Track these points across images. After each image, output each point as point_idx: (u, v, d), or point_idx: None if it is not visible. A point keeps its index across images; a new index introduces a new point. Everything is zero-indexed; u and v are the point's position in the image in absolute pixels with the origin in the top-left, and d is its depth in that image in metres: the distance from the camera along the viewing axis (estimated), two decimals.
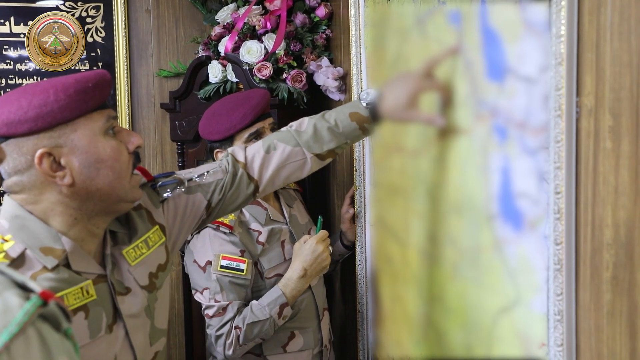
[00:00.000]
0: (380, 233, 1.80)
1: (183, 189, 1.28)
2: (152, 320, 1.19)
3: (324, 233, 1.76)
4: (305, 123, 1.39)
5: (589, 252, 0.94)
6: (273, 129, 1.80)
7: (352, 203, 1.93)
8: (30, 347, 0.61)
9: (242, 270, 1.71)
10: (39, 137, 1.02)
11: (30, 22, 2.53)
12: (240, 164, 1.34)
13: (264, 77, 2.08)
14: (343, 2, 2.00)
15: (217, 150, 1.79)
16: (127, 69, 2.60)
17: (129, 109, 2.62)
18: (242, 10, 2.22)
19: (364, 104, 1.37)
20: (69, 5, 2.56)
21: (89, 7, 2.57)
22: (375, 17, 1.69)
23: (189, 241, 1.77)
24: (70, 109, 1.03)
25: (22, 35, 2.54)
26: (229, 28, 2.26)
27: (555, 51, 0.94)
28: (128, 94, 2.61)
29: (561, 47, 0.93)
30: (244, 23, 2.16)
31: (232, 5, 2.27)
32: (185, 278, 2.34)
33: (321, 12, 2.17)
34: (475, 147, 1.21)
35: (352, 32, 1.83)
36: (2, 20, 2.52)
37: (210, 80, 2.25)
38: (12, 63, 2.54)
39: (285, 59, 2.11)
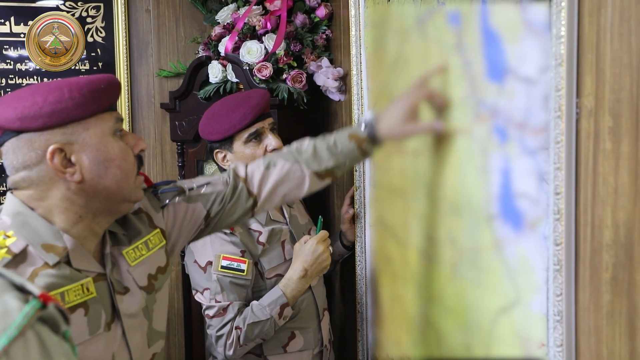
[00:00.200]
0: (380, 233, 1.80)
1: (183, 198, 1.30)
2: (150, 322, 1.20)
3: (324, 233, 1.76)
4: (306, 143, 1.42)
5: (588, 252, 0.94)
6: (273, 129, 1.80)
7: (352, 203, 1.94)
8: (30, 350, 0.60)
9: (242, 271, 1.71)
10: (52, 133, 1.05)
11: (30, 22, 2.53)
12: (241, 178, 1.37)
13: (264, 78, 2.08)
14: (343, 2, 2.00)
15: (217, 150, 1.79)
16: (127, 69, 2.60)
17: (129, 109, 2.62)
18: (243, 10, 2.22)
19: (363, 126, 1.40)
20: (69, 5, 2.56)
21: (89, 7, 2.57)
22: (376, 17, 1.70)
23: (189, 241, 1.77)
24: (84, 108, 1.06)
25: (22, 35, 2.54)
26: (229, 28, 2.26)
27: (556, 52, 0.94)
28: (128, 93, 2.61)
29: (561, 48, 0.93)
30: (244, 23, 2.16)
31: (232, 6, 2.28)
32: (185, 278, 2.34)
33: (321, 12, 2.18)
34: (475, 148, 1.21)
35: (352, 32, 1.83)
36: (2, 20, 2.52)
37: (210, 81, 2.25)
38: (12, 63, 2.54)
39: (285, 59, 2.11)
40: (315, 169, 1.38)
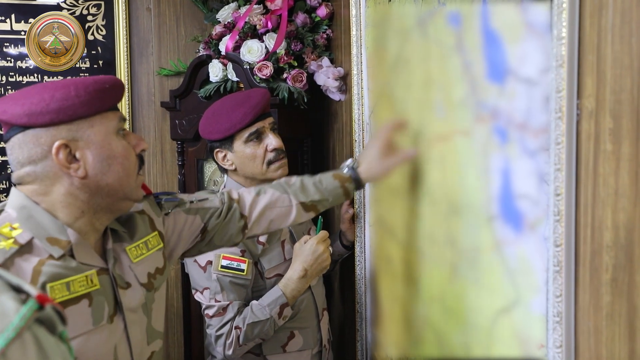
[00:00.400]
0: (379, 233, 1.80)
1: (184, 209, 1.36)
2: (149, 320, 1.23)
3: (324, 233, 1.76)
4: (294, 178, 1.53)
5: (588, 254, 0.94)
6: (273, 129, 1.80)
7: (352, 203, 1.94)
8: (27, 352, 0.60)
9: (242, 270, 1.71)
10: (58, 129, 1.08)
11: (31, 20, 2.53)
12: (235, 200, 1.45)
13: (264, 77, 2.08)
14: (344, 2, 2.00)
15: (217, 149, 1.79)
16: (127, 67, 2.60)
17: (129, 107, 2.62)
18: (243, 9, 2.22)
19: (345, 170, 1.54)
20: (70, 3, 2.56)
21: (89, 5, 2.57)
22: (376, 17, 1.69)
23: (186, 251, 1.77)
24: (89, 106, 1.10)
25: (22, 33, 2.53)
26: (229, 27, 2.26)
27: (556, 53, 0.94)
28: (128, 92, 2.61)
29: (562, 49, 0.93)
30: (245, 22, 2.16)
31: (233, 5, 2.28)
32: (185, 277, 2.34)
33: (322, 12, 2.18)
34: (476, 149, 1.21)
35: (353, 32, 1.83)
36: (3, 18, 2.52)
37: (210, 79, 2.25)
38: (12, 60, 2.54)
39: (285, 58, 2.11)
40: (302, 199, 1.48)
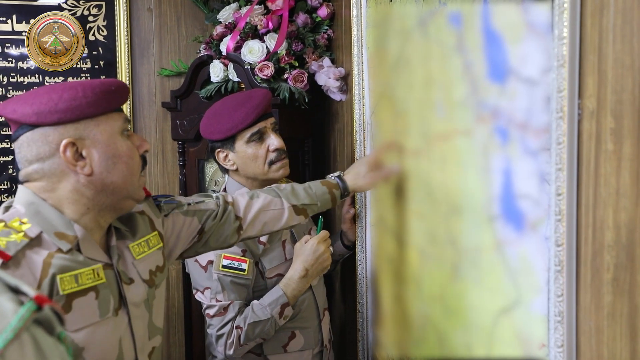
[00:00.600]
0: (380, 233, 1.80)
1: (182, 211, 1.41)
2: (151, 315, 1.27)
3: (325, 233, 1.76)
4: (284, 184, 1.61)
5: (589, 253, 0.94)
6: (275, 129, 1.80)
7: (353, 203, 1.94)
8: (25, 353, 0.60)
9: (243, 270, 1.71)
10: (65, 128, 1.12)
11: (32, 21, 2.54)
12: (229, 203, 1.50)
13: (265, 77, 2.08)
14: (345, 2, 2.00)
15: (219, 149, 1.79)
16: (128, 68, 2.60)
17: (130, 108, 2.62)
18: (244, 9, 2.22)
19: (332, 178, 1.66)
20: (71, 3, 2.56)
21: (90, 5, 2.57)
22: (377, 17, 1.70)
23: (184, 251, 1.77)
24: (96, 106, 1.14)
25: (23, 34, 2.54)
26: (230, 27, 2.26)
27: (558, 53, 0.94)
28: (130, 92, 2.61)
29: (563, 49, 0.93)
30: (246, 22, 2.17)
31: (234, 5, 2.28)
32: (185, 277, 2.34)
33: (323, 12, 2.18)
34: (477, 149, 1.21)
35: (354, 32, 1.83)
36: (4, 18, 2.52)
37: (211, 80, 2.25)
38: (13, 61, 2.54)
39: (286, 58, 2.11)
40: (294, 202, 1.56)
